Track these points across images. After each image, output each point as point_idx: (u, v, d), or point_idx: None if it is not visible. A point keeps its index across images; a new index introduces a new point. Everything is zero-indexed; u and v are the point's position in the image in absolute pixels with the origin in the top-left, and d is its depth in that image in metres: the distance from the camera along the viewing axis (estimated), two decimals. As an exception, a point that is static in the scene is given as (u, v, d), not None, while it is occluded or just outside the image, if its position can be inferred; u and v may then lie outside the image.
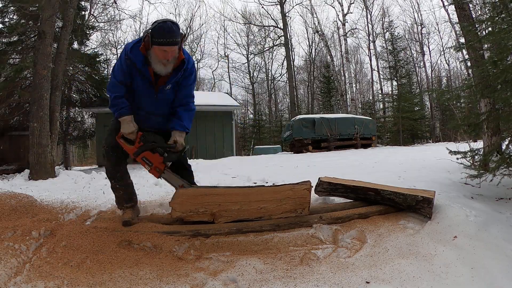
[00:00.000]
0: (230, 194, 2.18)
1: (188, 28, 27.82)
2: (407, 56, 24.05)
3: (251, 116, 29.84)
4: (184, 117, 2.22)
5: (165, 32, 1.92)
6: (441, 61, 37.31)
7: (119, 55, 2.19)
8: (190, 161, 2.49)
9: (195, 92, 2.37)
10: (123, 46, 2.18)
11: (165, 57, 1.99)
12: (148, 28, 2.00)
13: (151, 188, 3.46)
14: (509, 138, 2.77)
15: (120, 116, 2.14)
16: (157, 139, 2.19)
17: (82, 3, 9.92)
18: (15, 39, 8.11)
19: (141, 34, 2.23)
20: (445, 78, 27.34)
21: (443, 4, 19.79)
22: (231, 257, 1.85)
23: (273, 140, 25.20)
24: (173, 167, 2.32)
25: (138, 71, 2.08)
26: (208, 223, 2.14)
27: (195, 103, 2.32)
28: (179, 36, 1.98)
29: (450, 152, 3.01)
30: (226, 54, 29.92)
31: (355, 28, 25.28)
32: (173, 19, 2.07)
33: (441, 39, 34.24)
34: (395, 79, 19.76)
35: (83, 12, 10.47)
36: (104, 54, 18.35)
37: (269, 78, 30.34)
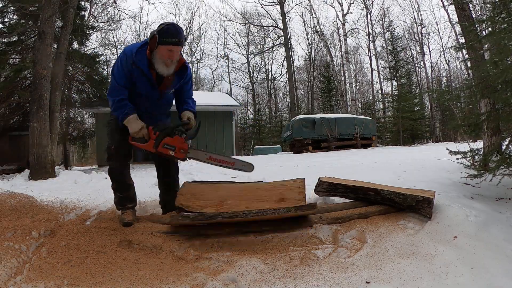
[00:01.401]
0: (231, 188, 2.21)
1: (188, 28, 27.85)
2: (407, 56, 24.04)
3: (251, 116, 29.86)
4: (190, 103, 2.35)
5: (172, 33, 2.01)
6: (441, 61, 37.24)
7: (118, 58, 2.20)
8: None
9: (195, 92, 2.50)
10: (122, 49, 2.21)
11: (170, 56, 2.06)
12: (153, 30, 2.07)
13: (151, 188, 3.45)
14: (509, 138, 2.77)
15: (125, 118, 2.12)
16: (168, 122, 2.23)
17: (82, 3, 9.90)
18: (15, 39, 8.10)
19: (142, 36, 2.28)
20: (445, 78, 27.31)
21: (443, 4, 19.82)
22: (231, 257, 1.85)
23: (273, 140, 25.19)
24: (159, 162, 2.39)
25: (143, 75, 2.12)
26: (208, 223, 2.14)
27: (196, 103, 2.42)
28: (184, 38, 2.08)
29: (450, 152, 3.01)
30: (226, 54, 29.95)
31: (355, 28, 25.28)
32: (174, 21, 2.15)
33: (441, 39, 34.35)
34: (395, 79, 19.78)
35: (83, 12, 10.45)
36: (104, 54, 18.40)
37: (269, 78, 30.35)
